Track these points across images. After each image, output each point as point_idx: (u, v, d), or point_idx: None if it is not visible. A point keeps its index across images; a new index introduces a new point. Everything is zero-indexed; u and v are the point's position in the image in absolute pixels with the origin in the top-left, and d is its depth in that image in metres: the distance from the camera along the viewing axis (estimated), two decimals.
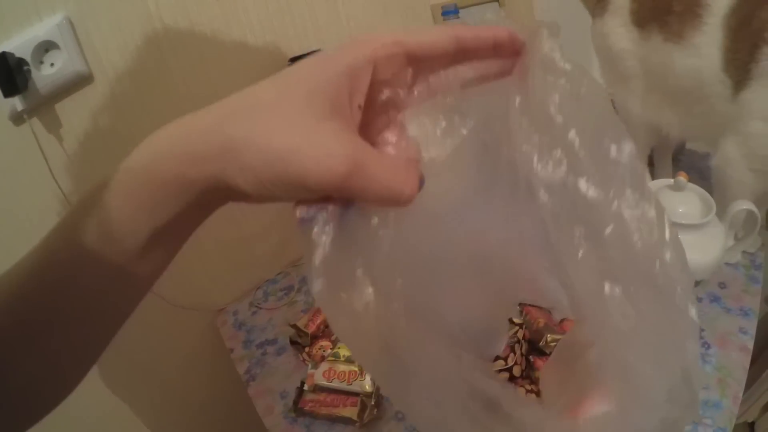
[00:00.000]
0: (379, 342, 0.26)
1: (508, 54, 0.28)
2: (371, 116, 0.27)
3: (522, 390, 0.63)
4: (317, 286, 0.24)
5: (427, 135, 0.29)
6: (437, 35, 0.27)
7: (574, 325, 0.32)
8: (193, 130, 0.24)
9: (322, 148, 0.22)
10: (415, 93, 0.28)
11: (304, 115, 0.23)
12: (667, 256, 0.26)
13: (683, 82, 0.77)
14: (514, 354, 0.64)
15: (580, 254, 0.26)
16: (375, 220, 0.26)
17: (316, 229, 0.24)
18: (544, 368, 0.36)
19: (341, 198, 0.24)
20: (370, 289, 0.24)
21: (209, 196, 0.24)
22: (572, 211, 0.26)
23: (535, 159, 0.26)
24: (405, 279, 0.26)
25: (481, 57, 0.28)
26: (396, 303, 0.25)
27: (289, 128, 0.22)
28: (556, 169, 0.26)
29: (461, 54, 0.27)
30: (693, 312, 0.27)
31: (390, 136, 0.28)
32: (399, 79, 0.27)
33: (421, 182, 0.25)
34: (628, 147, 0.27)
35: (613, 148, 0.27)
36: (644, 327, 0.26)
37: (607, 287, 0.26)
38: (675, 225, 0.68)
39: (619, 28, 0.84)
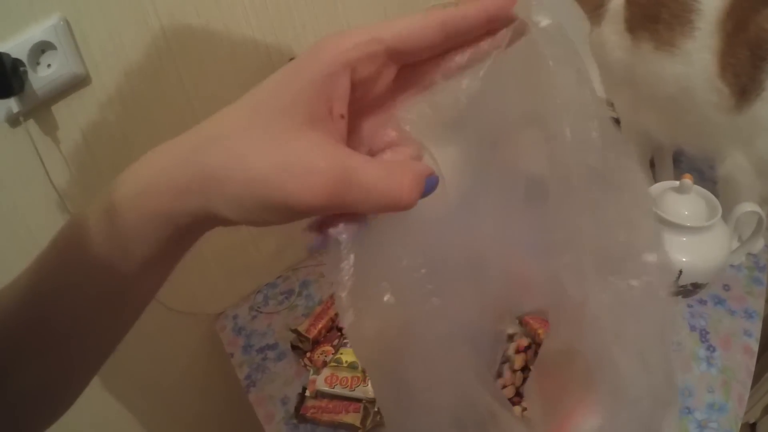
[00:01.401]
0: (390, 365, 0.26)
1: (502, 26, 0.25)
2: (359, 120, 0.25)
3: (518, 409, 0.61)
4: (348, 318, 0.23)
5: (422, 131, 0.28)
6: (419, 25, 0.24)
7: (549, 331, 0.31)
8: (171, 160, 0.23)
9: (302, 165, 0.21)
10: (404, 89, 0.26)
11: (279, 133, 0.21)
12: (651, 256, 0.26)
13: (675, 92, 0.75)
14: (502, 377, 0.63)
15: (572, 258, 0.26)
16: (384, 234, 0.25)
17: (339, 254, 0.23)
18: (528, 383, 0.36)
19: (345, 213, 0.23)
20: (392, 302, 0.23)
21: (197, 225, 0.24)
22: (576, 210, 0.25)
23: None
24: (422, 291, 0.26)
25: (474, 37, 0.25)
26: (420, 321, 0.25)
27: (265, 151, 0.21)
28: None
29: (450, 40, 0.24)
30: (672, 307, 0.26)
31: (384, 138, 0.25)
32: (382, 77, 0.24)
33: (433, 180, 0.23)
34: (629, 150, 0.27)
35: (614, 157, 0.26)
36: (630, 328, 0.26)
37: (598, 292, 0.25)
38: (681, 228, 0.67)
39: (614, 36, 0.83)
